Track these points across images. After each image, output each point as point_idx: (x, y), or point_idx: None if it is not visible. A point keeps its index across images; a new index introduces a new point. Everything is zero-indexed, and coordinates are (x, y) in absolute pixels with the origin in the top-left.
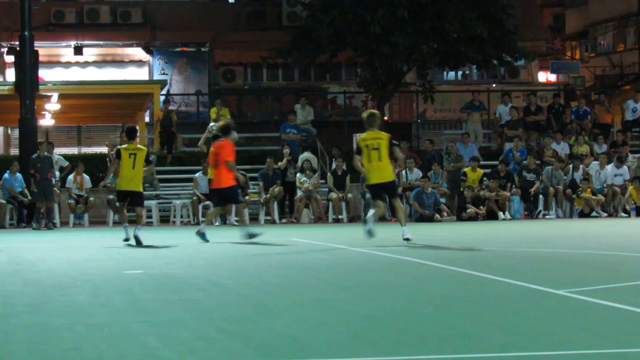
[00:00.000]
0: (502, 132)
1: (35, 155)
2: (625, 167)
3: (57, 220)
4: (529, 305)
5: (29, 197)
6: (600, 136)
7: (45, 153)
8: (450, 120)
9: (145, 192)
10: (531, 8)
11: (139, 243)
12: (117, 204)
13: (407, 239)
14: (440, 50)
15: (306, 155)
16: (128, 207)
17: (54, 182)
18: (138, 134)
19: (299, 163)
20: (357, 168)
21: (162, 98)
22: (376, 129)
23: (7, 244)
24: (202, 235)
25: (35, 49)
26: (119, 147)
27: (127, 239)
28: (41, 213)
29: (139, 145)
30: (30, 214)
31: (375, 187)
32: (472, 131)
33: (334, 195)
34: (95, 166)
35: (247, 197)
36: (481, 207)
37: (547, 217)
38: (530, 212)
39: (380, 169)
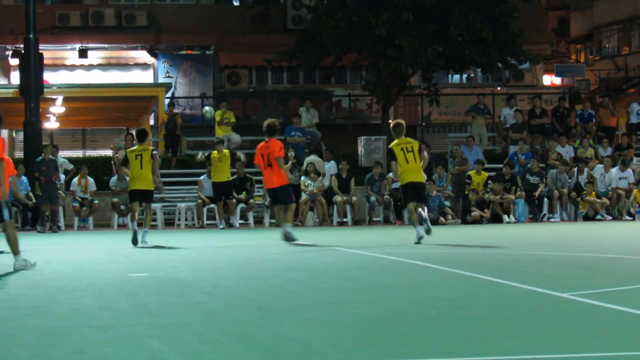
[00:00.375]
0: (507, 135)
1: (40, 158)
2: (629, 170)
3: (61, 223)
4: (534, 308)
5: (34, 200)
6: (604, 139)
7: (50, 156)
8: (455, 123)
9: None
10: (536, 11)
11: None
12: (130, 204)
13: (421, 237)
14: (445, 53)
15: (311, 158)
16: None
17: (58, 185)
18: None
19: (304, 166)
20: (394, 174)
21: (166, 101)
22: (403, 136)
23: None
24: (289, 237)
25: (40, 51)
26: (125, 151)
27: (135, 241)
28: (46, 216)
29: (145, 146)
30: (35, 217)
31: (409, 186)
32: (477, 134)
33: (338, 198)
34: (100, 169)
35: (251, 200)
36: (486, 210)
37: (552, 220)
38: (535, 215)
39: (416, 170)
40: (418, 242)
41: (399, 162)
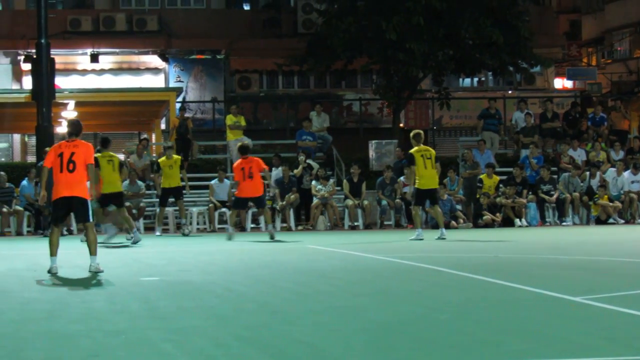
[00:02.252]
0: (518, 139)
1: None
2: None
3: (74, 227)
4: (546, 312)
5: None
6: (616, 143)
7: None
8: (466, 127)
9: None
10: (547, 14)
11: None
12: (104, 208)
13: (443, 238)
14: (455, 56)
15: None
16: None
17: None
18: (153, 142)
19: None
20: (406, 178)
21: (178, 105)
22: (421, 144)
23: (24, 251)
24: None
25: (52, 56)
26: (95, 155)
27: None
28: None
29: (112, 154)
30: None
31: (426, 191)
32: (488, 138)
33: (350, 202)
34: None
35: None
36: (497, 213)
37: (564, 224)
38: (547, 221)
39: (433, 176)
40: (415, 239)
41: (418, 168)
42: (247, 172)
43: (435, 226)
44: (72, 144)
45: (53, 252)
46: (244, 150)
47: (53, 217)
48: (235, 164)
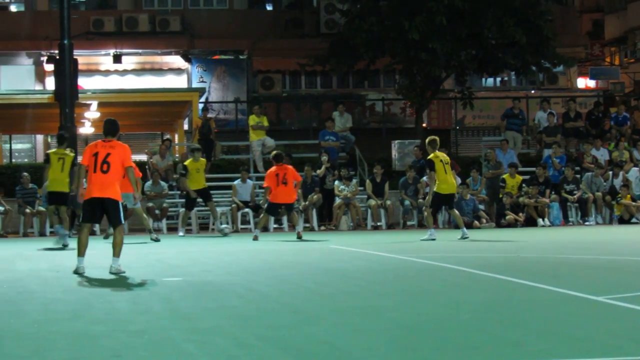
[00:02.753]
0: (541, 139)
1: None
2: None
3: (96, 228)
4: (569, 312)
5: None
6: (639, 142)
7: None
8: (488, 127)
9: (184, 200)
10: (570, 14)
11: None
12: (49, 207)
13: (466, 237)
14: (478, 56)
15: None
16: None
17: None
18: (176, 142)
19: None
20: (432, 184)
21: (200, 106)
22: (437, 150)
23: (47, 252)
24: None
25: (75, 57)
26: (48, 152)
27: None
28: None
29: (66, 151)
30: (72, 221)
31: (445, 196)
32: (511, 138)
33: (372, 202)
34: None
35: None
36: (520, 213)
37: (587, 223)
38: (570, 220)
39: (452, 181)
40: (427, 239)
41: (438, 173)
42: (281, 179)
43: (458, 226)
44: (108, 144)
45: (81, 252)
46: (278, 158)
47: (83, 217)
48: (269, 171)
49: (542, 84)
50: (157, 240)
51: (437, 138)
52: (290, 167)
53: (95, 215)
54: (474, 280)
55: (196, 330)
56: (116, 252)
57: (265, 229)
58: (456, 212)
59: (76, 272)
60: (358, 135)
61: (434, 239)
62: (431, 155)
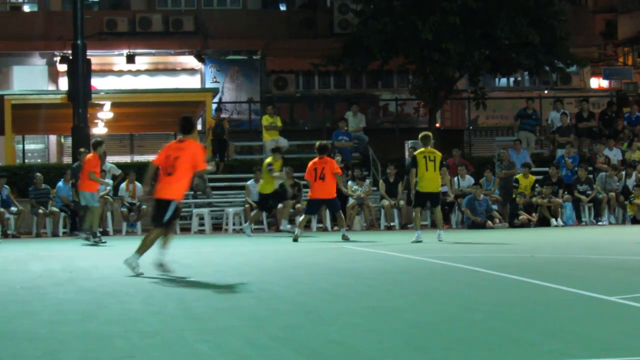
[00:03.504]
0: (554, 139)
1: (76, 164)
2: None
3: (109, 228)
4: (581, 312)
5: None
6: None
7: None
8: (502, 127)
9: (198, 200)
10: (583, 14)
11: None
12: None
13: (440, 240)
14: (491, 56)
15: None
16: None
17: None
18: None
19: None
20: (412, 180)
21: (214, 106)
22: (430, 146)
23: (60, 252)
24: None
25: (88, 57)
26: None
27: None
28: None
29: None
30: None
31: (425, 194)
32: (524, 138)
33: (386, 202)
34: None
35: (298, 205)
36: (533, 213)
37: (600, 223)
38: (582, 220)
39: (433, 179)
40: (415, 241)
41: (419, 169)
42: (319, 173)
43: (472, 225)
44: (180, 146)
45: (141, 252)
46: (322, 150)
47: (153, 218)
48: (310, 163)
49: (555, 84)
50: (96, 243)
51: (430, 134)
52: (330, 160)
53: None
54: (487, 281)
55: (209, 330)
56: (139, 249)
57: (277, 229)
58: (439, 212)
59: (132, 270)
60: (371, 136)
61: (420, 241)
62: (416, 152)
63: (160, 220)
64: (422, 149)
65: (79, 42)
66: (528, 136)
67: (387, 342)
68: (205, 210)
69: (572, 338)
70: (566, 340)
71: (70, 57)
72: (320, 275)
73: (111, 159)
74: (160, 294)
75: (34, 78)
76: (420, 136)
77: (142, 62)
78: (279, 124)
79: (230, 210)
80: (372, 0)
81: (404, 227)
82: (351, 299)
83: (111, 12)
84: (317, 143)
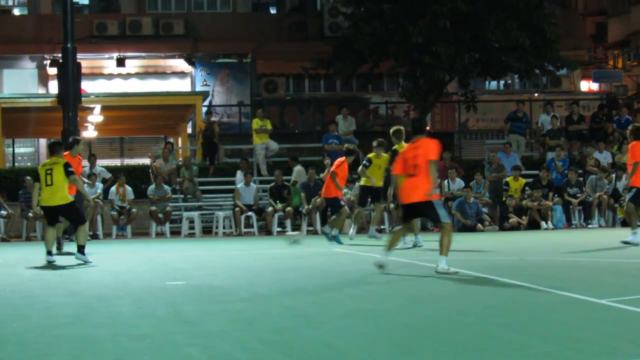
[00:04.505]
0: (544, 142)
1: None
2: None
3: (99, 232)
4: (571, 315)
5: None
6: None
7: None
8: (492, 130)
9: (188, 204)
10: (573, 17)
11: None
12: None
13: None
14: (482, 59)
15: (298, 168)
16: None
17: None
18: (179, 146)
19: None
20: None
21: (204, 109)
22: (402, 141)
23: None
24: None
25: (78, 60)
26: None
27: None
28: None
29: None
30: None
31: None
32: (514, 141)
33: None
34: (138, 178)
35: (288, 208)
36: (523, 216)
37: (590, 226)
38: (572, 223)
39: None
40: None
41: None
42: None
43: (462, 228)
44: (415, 146)
45: (390, 247)
46: (348, 153)
47: (433, 218)
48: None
49: (545, 87)
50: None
51: (402, 128)
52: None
53: (408, 217)
54: (477, 283)
55: (199, 334)
56: (445, 250)
57: (268, 232)
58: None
59: (379, 266)
60: (362, 139)
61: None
62: (397, 146)
63: (439, 218)
64: (402, 144)
65: (69, 45)
66: (518, 139)
67: (378, 345)
68: (195, 214)
69: (562, 341)
70: (556, 343)
71: (60, 61)
72: (310, 279)
73: (101, 162)
74: (150, 298)
75: (24, 81)
76: (393, 131)
77: (132, 65)
78: (269, 127)
79: (220, 213)
80: (363, 4)
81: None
82: (341, 302)
83: (101, 15)
84: (346, 146)
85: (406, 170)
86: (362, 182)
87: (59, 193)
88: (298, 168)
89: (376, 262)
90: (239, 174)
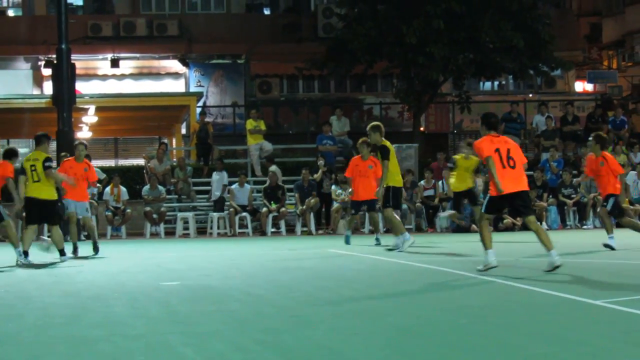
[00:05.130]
0: (539, 143)
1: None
2: None
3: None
4: (566, 316)
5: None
6: (637, 145)
7: None
8: None
9: (182, 204)
10: (567, 17)
11: None
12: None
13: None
14: (476, 60)
15: (273, 168)
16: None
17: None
18: (173, 146)
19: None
20: (385, 173)
21: (198, 110)
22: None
23: (45, 256)
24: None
25: (72, 61)
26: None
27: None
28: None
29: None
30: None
31: (400, 190)
32: None
33: None
34: (132, 178)
35: (283, 209)
36: (518, 217)
37: (585, 227)
38: (567, 224)
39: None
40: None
41: (392, 162)
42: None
43: (457, 229)
44: (500, 139)
45: (488, 245)
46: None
47: (486, 209)
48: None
49: (539, 87)
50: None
51: (380, 124)
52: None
53: (499, 209)
54: (471, 284)
55: (194, 334)
56: (549, 244)
57: (262, 233)
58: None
59: (486, 267)
60: (355, 140)
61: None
62: (386, 143)
63: (531, 210)
64: (385, 140)
65: (63, 46)
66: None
67: (372, 345)
68: (189, 214)
69: (556, 341)
70: (551, 343)
71: (55, 62)
72: (305, 279)
73: (96, 163)
74: (144, 298)
75: (19, 82)
76: (372, 126)
77: (127, 66)
78: (263, 127)
79: (215, 214)
80: (357, 4)
81: (388, 230)
82: (336, 302)
83: (95, 16)
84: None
85: (503, 161)
86: (453, 187)
87: (46, 188)
88: (273, 168)
89: (549, 264)
90: (215, 175)
